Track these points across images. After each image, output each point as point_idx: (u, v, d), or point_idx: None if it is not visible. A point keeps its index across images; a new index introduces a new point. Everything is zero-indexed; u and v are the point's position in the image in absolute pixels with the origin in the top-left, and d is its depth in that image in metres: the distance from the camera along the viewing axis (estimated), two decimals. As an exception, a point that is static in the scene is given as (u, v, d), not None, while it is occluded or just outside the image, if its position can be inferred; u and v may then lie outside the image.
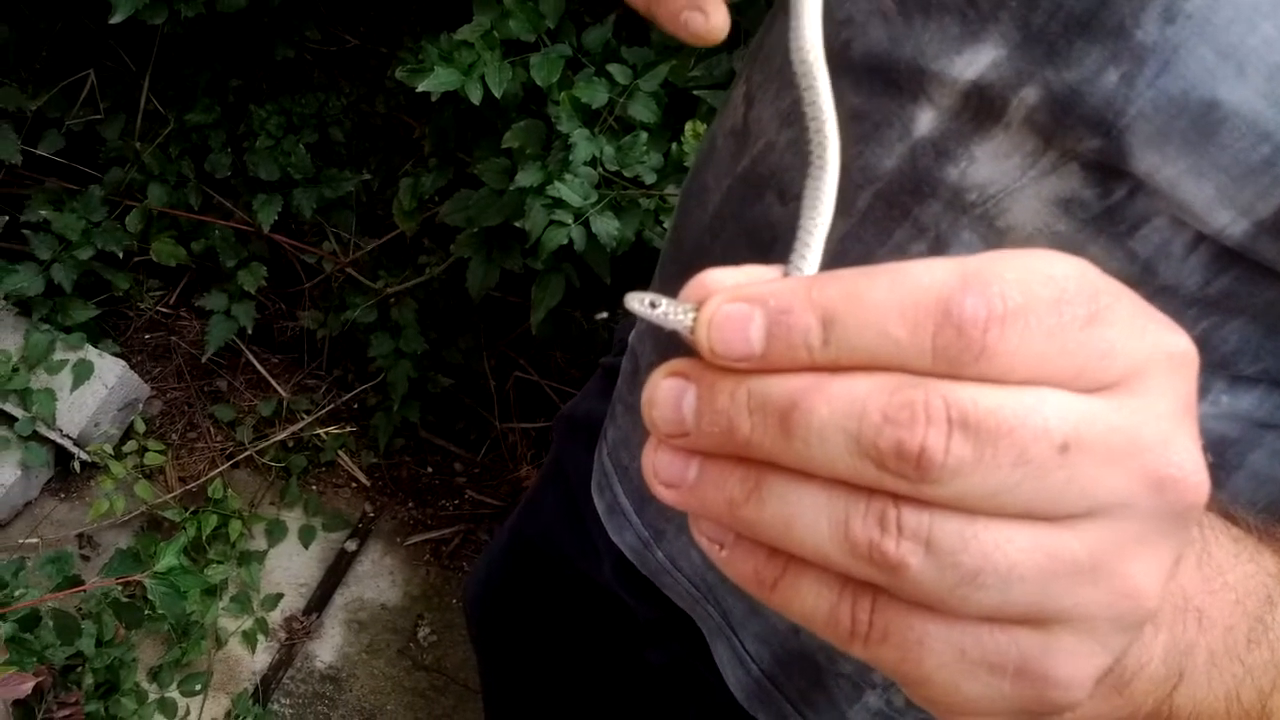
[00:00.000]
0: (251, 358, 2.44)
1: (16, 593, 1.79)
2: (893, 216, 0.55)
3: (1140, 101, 0.45)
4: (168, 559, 1.75)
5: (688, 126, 1.60)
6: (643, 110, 1.64)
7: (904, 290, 0.30)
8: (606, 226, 1.61)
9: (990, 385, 0.29)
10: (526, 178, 1.65)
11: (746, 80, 0.67)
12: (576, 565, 0.99)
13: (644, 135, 1.63)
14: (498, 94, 1.64)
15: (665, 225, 1.64)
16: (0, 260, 2.15)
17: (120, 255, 2.21)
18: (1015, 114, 0.49)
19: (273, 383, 2.42)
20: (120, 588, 1.86)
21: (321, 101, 2.24)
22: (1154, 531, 0.31)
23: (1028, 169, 0.49)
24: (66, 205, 2.17)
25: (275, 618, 2.15)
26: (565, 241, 1.62)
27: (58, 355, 2.12)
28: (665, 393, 0.33)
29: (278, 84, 2.29)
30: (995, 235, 0.52)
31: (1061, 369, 0.29)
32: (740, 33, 1.50)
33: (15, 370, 2.08)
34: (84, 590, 1.84)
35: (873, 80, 0.54)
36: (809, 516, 0.31)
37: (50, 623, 1.77)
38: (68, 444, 2.14)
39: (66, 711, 1.73)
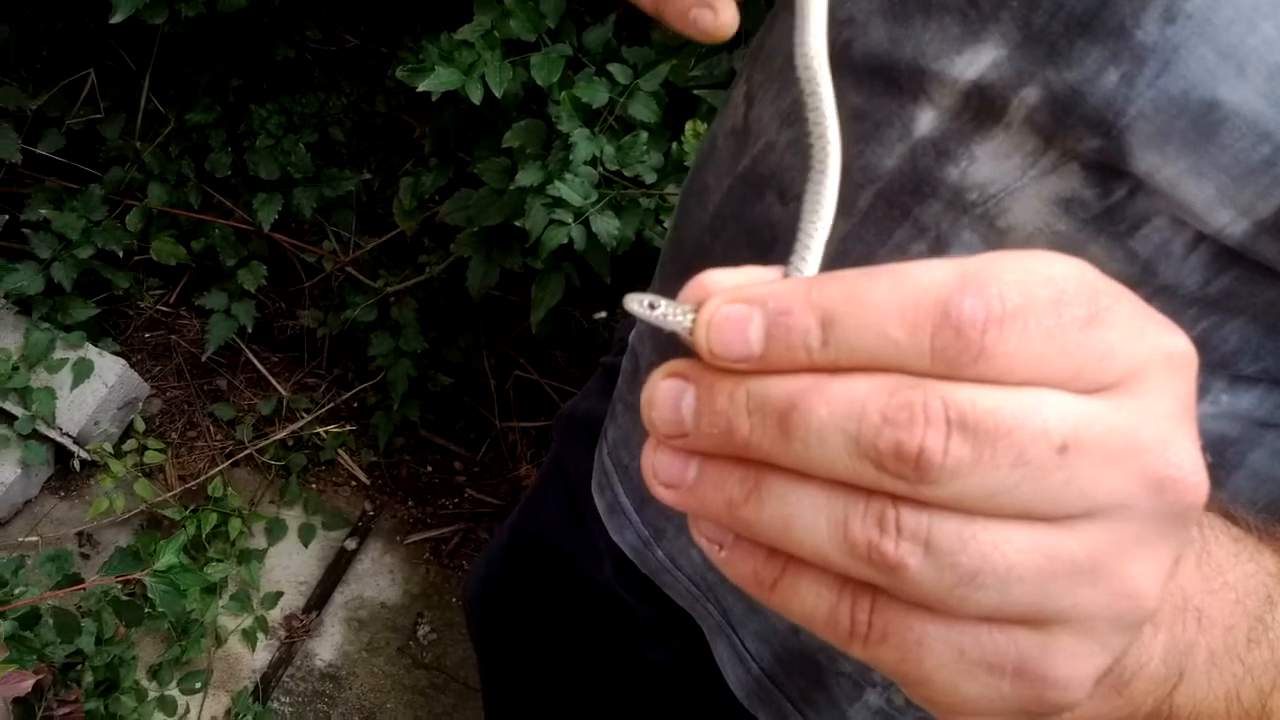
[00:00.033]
0: (251, 356, 2.44)
1: (16, 591, 1.79)
2: (893, 216, 0.55)
3: (1140, 101, 0.45)
4: (167, 557, 1.75)
5: (688, 126, 1.60)
6: (643, 110, 1.64)
7: (903, 291, 0.30)
8: (607, 226, 1.61)
9: (989, 386, 0.29)
10: (527, 177, 1.65)
11: (747, 80, 0.67)
12: (576, 564, 0.99)
13: (644, 135, 1.63)
14: (498, 93, 1.64)
15: (665, 225, 1.64)
16: (0, 259, 2.15)
17: (120, 254, 2.21)
18: (1016, 114, 0.49)
19: (273, 381, 2.42)
20: (120, 586, 1.86)
21: (322, 101, 2.24)
22: (1153, 532, 0.31)
23: (1028, 169, 0.49)
24: (67, 204, 2.17)
25: (275, 616, 2.15)
26: (565, 241, 1.62)
27: (58, 354, 2.12)
28: (664, 393, 0.33)
29: (278, 83, 2.29)
30: (996, 235, 0.52)
31: (1060, 370, 0.29)
32: (741, 32, 1.50)
33: (15, 369, 2.08)
34: (84, 588, 1.84)
35: (873, 80, 0.54)
36: (808, 517, 0.31)
37: (50, 621, 1.77)
38: (67, 442, 2.14)
39: (66, 709, 1.73)
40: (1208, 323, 0.49)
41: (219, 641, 2.07)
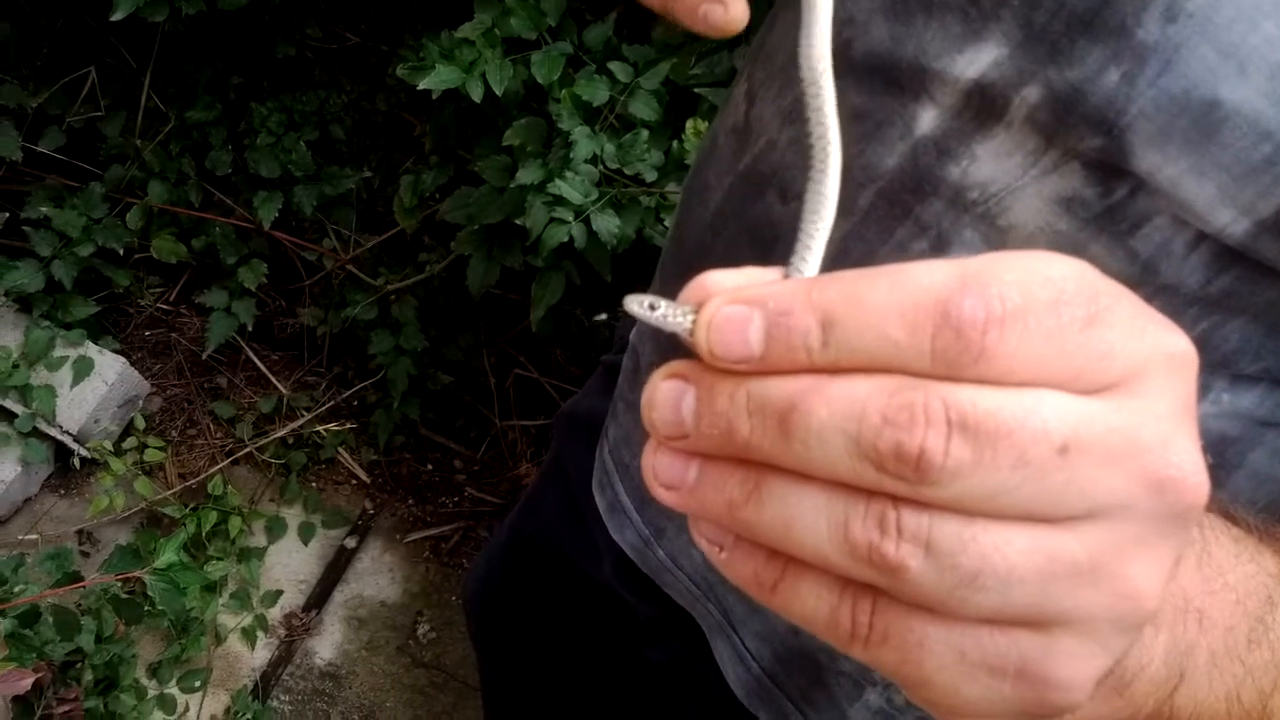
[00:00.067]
0: (252, 355, 2.44)
1: (16, 589, 1.79)
2: (894, 215, 0.55)
3: (1141, 101, 0.45)
4: (167, 555, 1.76)
5: (688, 124, 1.60)
6: (643, 108, 1.64)
7: (903, 292, 0.30)
8: (607, 224, 1.61)
9: (989, 387, 0.29)
10: (527, 175, 1.65)
11: (748, 78, 0.67)
12: (576, 563, 0.99)
13: (645, 133, 1.63)
14: (499, 91, 1.64)
15: (666, 223, 1.64)
16: (1, 257, 2.15)
17: (120, 252, 2.21)
18: (1017, 113, 0.49)
19: (273, 380, 2.42)
20: (120, 584, 1.86)
21: (322, 99, 2.24)
22: (1153, 533, 0.31)
23: (1029, 168, 0.49)
24: (67, 202, 2.17)
25: (275, 614, 2.15)
26: (566, 239, 1.62)
27: (58, 352, 2.12)
28: (665, 395, 0.33)
29: (279, 81, 2.29)
30: (997, 234, 0.52)
31: (1060, 370, 0.29)
32: (742, 30, 1.50)
33: (15, 366, 2.08)
34: (84, 586, 1.85)
35: (874, 79, 0.54)
36: (808, 518, 0.31)
37: (50, 619, 1.77)
38: (68, 440, 2.14)
39: (66, 708, 1.73)
40: (1208, 322, 0.49)
41: (219, 640, 2.07)
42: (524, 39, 1.67)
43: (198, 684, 1.99)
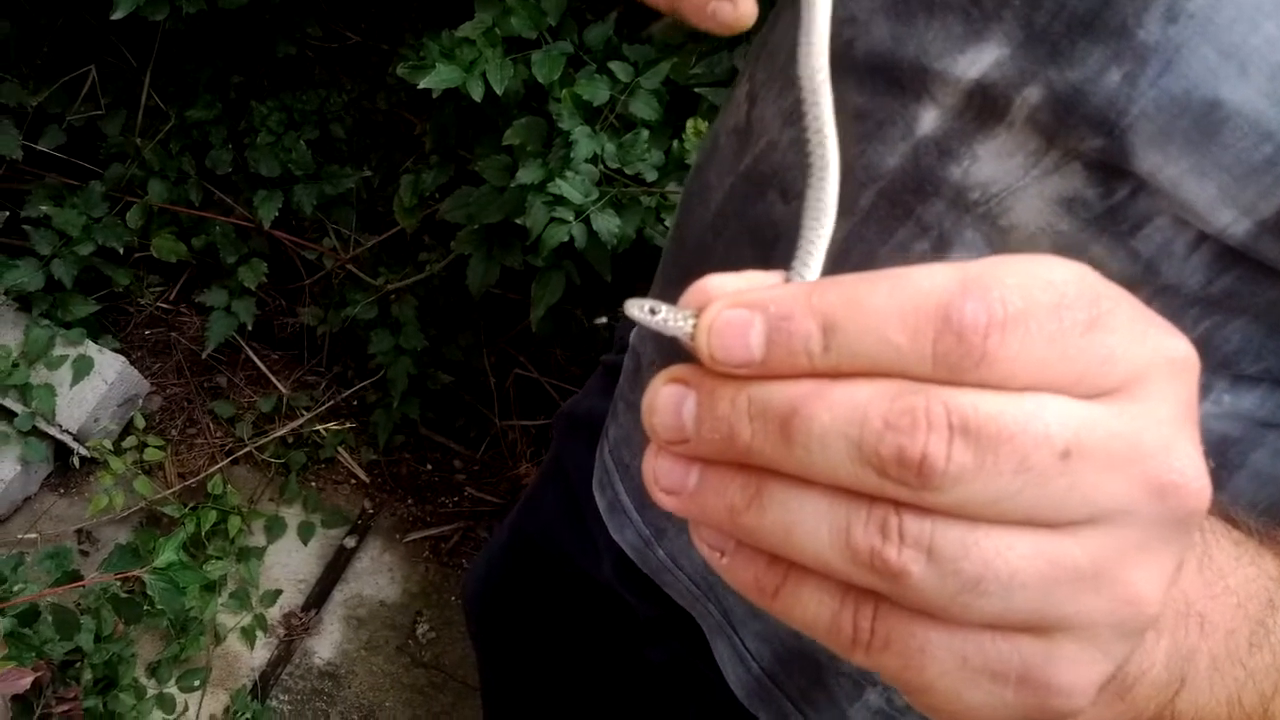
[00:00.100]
0: (251, 354, 2.44)
1: (15, 588, 1.79)
2: (896, 215, 0.55)
3: (1143, 101, 0.45)
4: (167, 555, 1.75)
5: (689, 124, 1.60)
6: (644, 108, 1.64)
7: (904, 296, 0.29)
8: (607, 224, 1.61)
9: (991, 391, 0.29)
10: (527, 175, 1.65)
11: (749, 79, 0.67)
12: (576, 563, 0.99)
13: (645, 133, 1.63)
14: (499, 91, 1.64)
15: (666, 223, 1.64)
16: (1, 255, 2.15)
17: (120, 251, 2.21)
18: (1018, 113, 0.49)
19: (272, 379, 2.42)
20: (119, 583, 1.86)
21: (322, 98, 2.24)
22: (1155, 538, 0.31)
23: (1030, 168, 0.49)
24: (67, 201, 2.17)
25: (274, 614, 2.15)
26: (566, 239, 1.62)
27: (58, 350, 2.12)
28: (665, 399, 0.33)
29: (279, 80, 2.29)
30: (998, 234, 0.52)
31: (1062, 375, 0.29)
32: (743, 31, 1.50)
33: (15, 365, 2.08)
34: (83, 585, 1.85)
35: (875, 79, 0.54)
36: (810, 524, 0.31)
37: (49, 618, 1.77)
38: (67, 439, 2.14)
39: (65, 707, 1.73)
40: (1210, 323, 0.49)
41: (218, 639, 2.07)
42: (524, 38, 1.67)
43: (197, 683, 1.99)
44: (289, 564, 2.23)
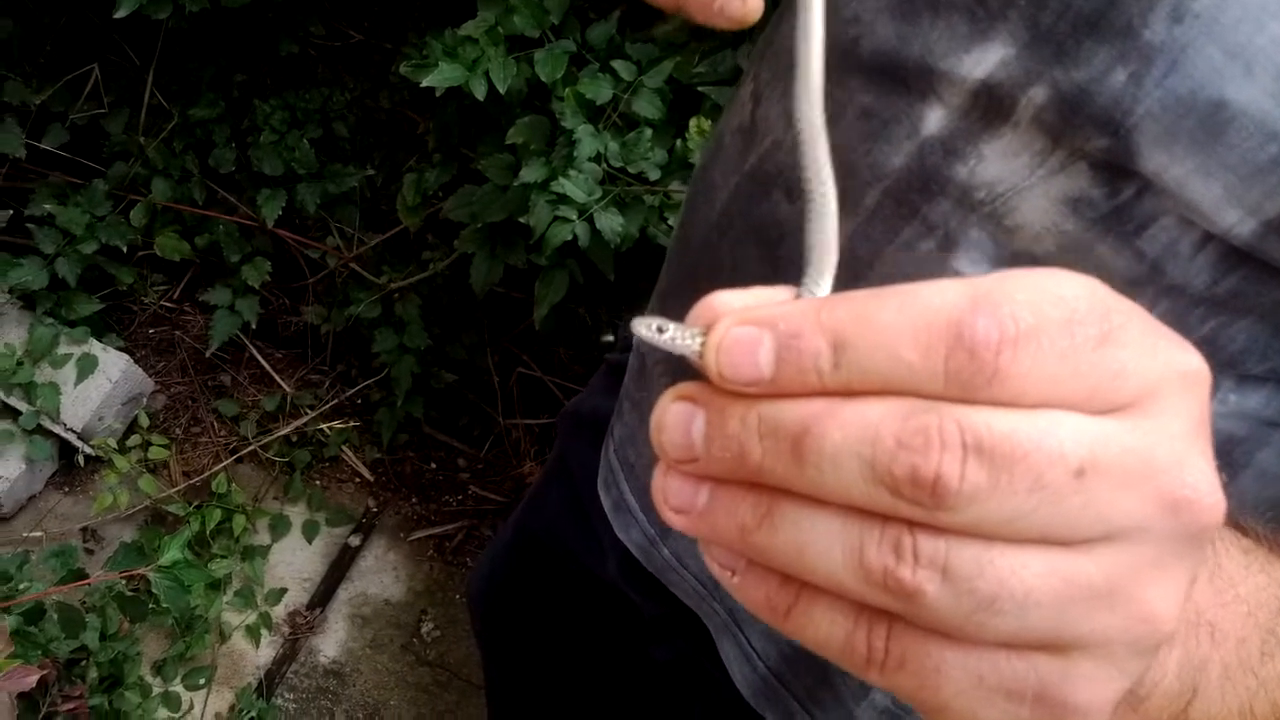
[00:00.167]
0: (255, 353, 2.44)
1: (21, 586, 1.79)
2: (901, 214, 0.55)
3: (1148, 101, 0.45)
4: (172, 553, 1.76)
5: (692, 123, 1.60)
6: (647, 106, 1.64)
7: (915, 312, 0.29)
8: (610, 223, 1.61)
9: (1004, 409, 0.29)
10: (530, 174, 1.65)
11: (754, 78, 0.67)
12: (581, 561, 0.99)
13: (648, 131, 1.62)
14: (502, 89, 1.64)
15: (670, 222, 1.64)
16: (4, 254, 2.15)
17: (124, 250, 2.21)
18: (1024, 113, 0.49)
19: (276, 378, 2.42)
20: (124, 581, 1.87)
21: (325, 97, 2.24)
22: (1169, 554, 0.30)
23: (1036, 168, 0.49)
24: (71, 199, 2.17)
25: (279, 612, 2.15)
26: (569, 238, 1.62)
27: (62, 349, 2.13)
28: (674, 417, 0.32)
29: (282, 79, 2.29)
30: (1003, 234, 0.52)
31: (1074, 391, 0.29)
32: (746, 30, 1.50)
33: (20, 364, 2.08)
34: (88, 584, 1.85)
35: (881, 78, 0.54)
36: (822, 543, 0.30)
37: (55, 616, 1.77)
38: (72, 438, 2.15)
39: (71, 705, 1.73)
40: (1215, 322, 0.49)
41: (223, 638, 2.08)
42: (527, 37, 1.67)
43: (202, 681, 1.99)
44: (293, 562, 2.23)
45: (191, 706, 1.98)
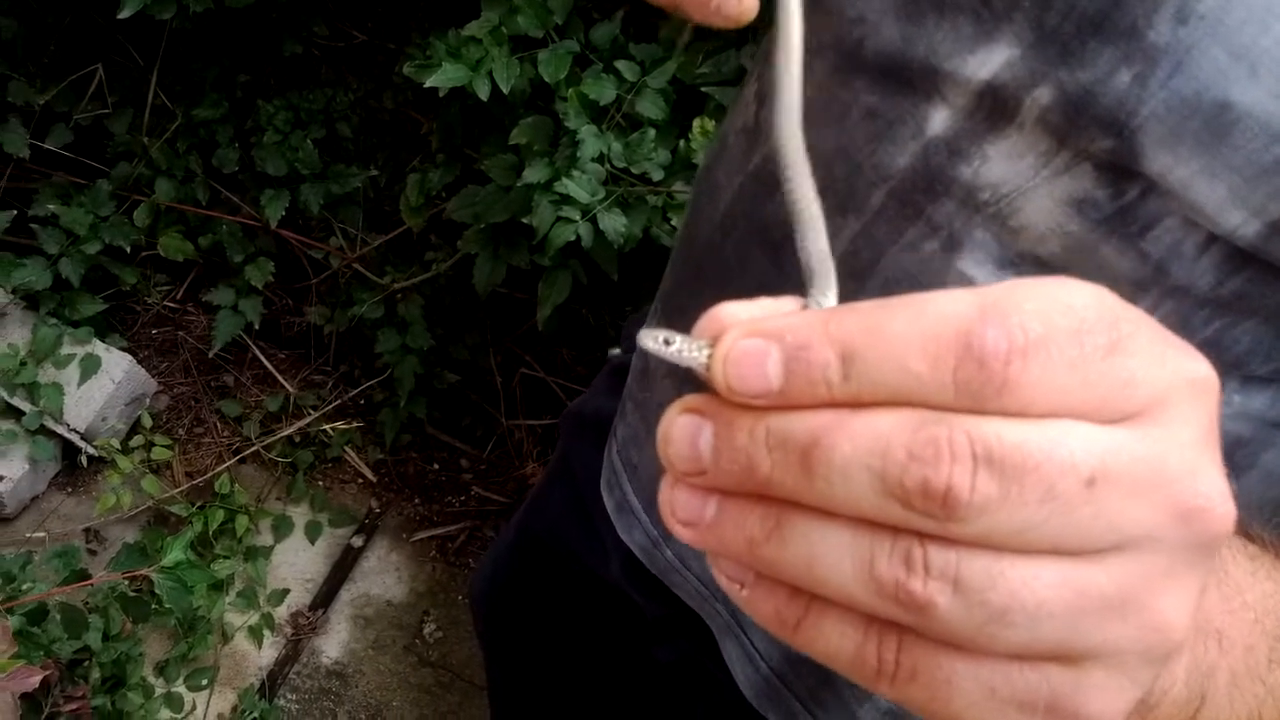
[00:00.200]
0: (258, 353, 2.44)
1: (24, 586, 1.79)
2: (905, 215, 0.55)
3: (1153, 102, 0.45)
4: (174, 554, 1.76)
5: (695, 123, 1.60)
6: (650, 107, 1.64)
7: (924, 323, 0.29)
8: (614, 223, 1.61)
9: (1014, 419, 0.29)
10: (534, 174, 1.65)
11: (758, 78, 0.67)
12: (583, 562, 0.99)
13: (652, 132, 1.63)
14: (505, 90, 1.64)
15: (673, 222, 1.64)
16: (8, 254, 2.15)
17: (128, 250, 2.21)
18: (1028, 114, 0.49)
19: (279, 378, 2.42)
20: (127, 582, 1.87)
21: (329, 97, 2.24)
22: (1181, 563, 0.30)
23: (1040, 169, 0.49)
24: (74, 199, 2.18)
25: (281, 613, 2.15)
26: (573, 238, 1.62)
27: (65, 349, 2.13)
28: (681, 430, 0.32)
29: (285, 79, 2.29)
30: (1008, 235, 0.52)
31: (1084, 400, 0.29)
32: (749, 30, 1.50)
33: (23, 364, 2.08)
34: (91, 584, 1.85)
35: (886, 79, 0.54)
36: (832, 556, 0.30)
37: (57, 616, 1.77)
38: (75, 438, 2.15)
39: (73, 705, 1.73)
40: (1220, 324, 0.49)
41: (225, 638, 2.08)
42: (531, 37, 1.67)
43: (205, 682, 1.99)
44: (296, 563, 2.23)
45: (194, 707, 1.98)
